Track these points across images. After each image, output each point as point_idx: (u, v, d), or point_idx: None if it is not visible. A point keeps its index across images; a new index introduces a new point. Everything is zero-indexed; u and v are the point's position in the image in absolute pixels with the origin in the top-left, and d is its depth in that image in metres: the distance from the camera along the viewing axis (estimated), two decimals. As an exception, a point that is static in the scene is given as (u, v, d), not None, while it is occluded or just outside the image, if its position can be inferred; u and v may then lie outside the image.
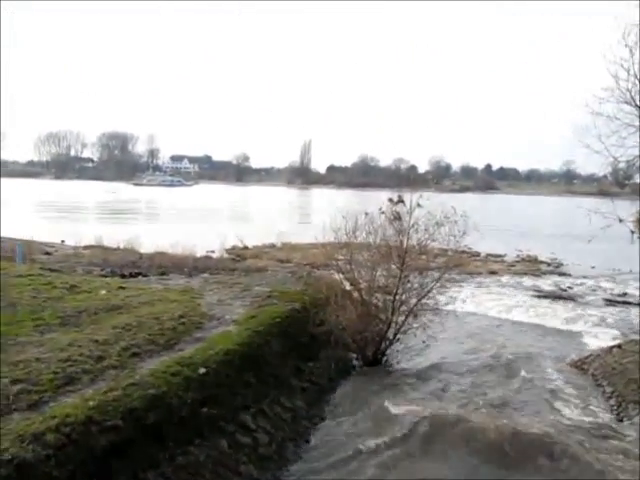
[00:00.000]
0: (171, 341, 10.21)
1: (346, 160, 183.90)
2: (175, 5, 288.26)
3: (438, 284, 14.17)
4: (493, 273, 29.79)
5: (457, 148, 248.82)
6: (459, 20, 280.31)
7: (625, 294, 25.40)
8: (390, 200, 14.54)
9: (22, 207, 57.95)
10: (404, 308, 14.14)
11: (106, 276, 18.77)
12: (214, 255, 28.58)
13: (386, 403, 11.09)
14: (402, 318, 14.16)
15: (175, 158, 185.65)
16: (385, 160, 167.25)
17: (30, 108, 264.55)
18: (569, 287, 26.72)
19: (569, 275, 30.43)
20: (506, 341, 17.13)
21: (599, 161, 14.59)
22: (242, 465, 8.58)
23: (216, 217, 57.36)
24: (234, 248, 32.80)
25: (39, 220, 47.10)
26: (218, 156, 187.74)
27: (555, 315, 21.04)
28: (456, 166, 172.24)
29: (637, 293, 24.93)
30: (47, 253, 24.75)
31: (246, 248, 33.21)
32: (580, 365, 14.65)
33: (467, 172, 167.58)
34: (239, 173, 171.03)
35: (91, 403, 7.18)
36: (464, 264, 19.35)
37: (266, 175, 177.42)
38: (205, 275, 18.68)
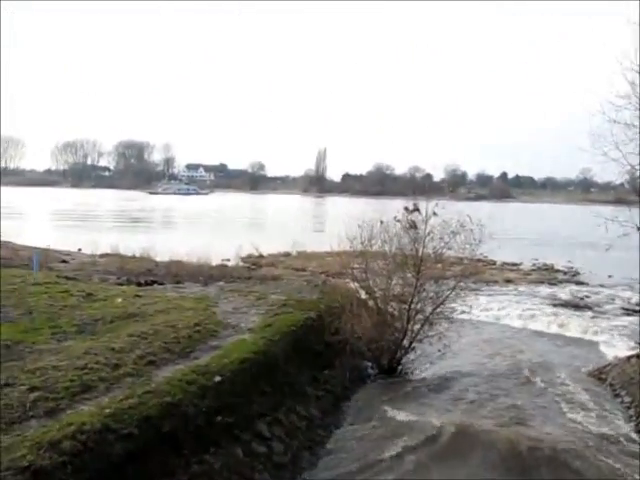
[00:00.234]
0: (187, 349, 10.24)
1: (361, 168, 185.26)
2: (175, 5, 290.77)
3: (454, 293, 14.13)
4: (509, 282, 29.46)
5: (472, 156, 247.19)
6: (459, 20, 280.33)
7: (643, 303, 24.96)
8: (405, 208, 14.52)
9: (39, 215, 58.50)
10: (420, 317, 14.10)
11: (122, 284, 18.79)
12: (229, 263, 28.56)
13: (400, 412, 11.04)
14: (418, 327, 14.12)
15: (191, 167, 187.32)
16: (400, 168, 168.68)
17: (45, 114, 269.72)
18: (586, 296, 26.35)
19: (586, 284, 30.01)
20: (523, 350, 16.96)
21: (616, 169, 14.48)
22: (257, 473, 8.58)
23: (231, 225, 57.48)
24: (249, 256, 32.72)
25: (56, 229, 47.50)
26: (233, 164, 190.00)
27: (572, 324, 20.72)
28: (472, 174, 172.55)
29: (655, 302, 24.48)
30: (64, 261, 24.83)
31: (261, 256, 33.12)
32: (598, 375, 14.48)
33: (482, 180, 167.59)
34: (254, 182, 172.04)
35: (107, 411, 7.22)
36: (480, 272, 19.23)
37: (281, 183, 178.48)
38: (220, 283, 18.65)
